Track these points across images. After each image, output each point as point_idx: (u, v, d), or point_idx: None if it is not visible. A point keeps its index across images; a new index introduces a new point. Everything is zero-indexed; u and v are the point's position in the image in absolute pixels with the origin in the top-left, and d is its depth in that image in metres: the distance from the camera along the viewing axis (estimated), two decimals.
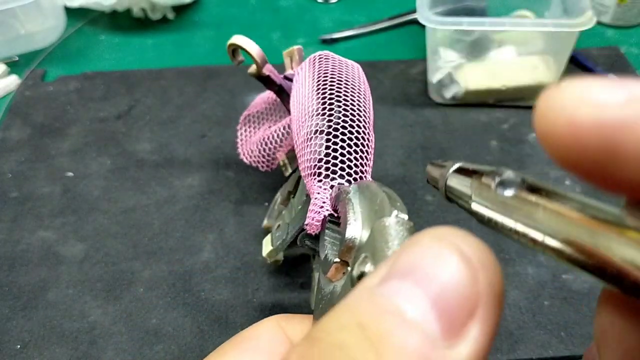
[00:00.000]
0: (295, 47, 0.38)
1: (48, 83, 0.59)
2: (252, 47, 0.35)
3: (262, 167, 0.40)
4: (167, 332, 0.37)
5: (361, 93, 0.31)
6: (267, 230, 0.39)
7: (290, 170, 0.39)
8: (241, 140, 0.42)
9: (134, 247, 0.42)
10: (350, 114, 0.29)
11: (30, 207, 0.46)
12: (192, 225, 0.44)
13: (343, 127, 0.28)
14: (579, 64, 0.57)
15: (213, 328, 0.37)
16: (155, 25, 0.67)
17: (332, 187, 0.27)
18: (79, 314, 0.38)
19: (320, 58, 0.33)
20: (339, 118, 0.28)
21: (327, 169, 0.27)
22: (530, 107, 0.53)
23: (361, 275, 0.18)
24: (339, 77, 0.31)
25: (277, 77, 0.37)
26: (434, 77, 0.53)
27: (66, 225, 0.44)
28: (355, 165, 0.28)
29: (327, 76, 0.31)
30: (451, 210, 0.43)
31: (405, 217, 0.20)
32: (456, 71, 0.52)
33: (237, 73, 0.58)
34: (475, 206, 0.17)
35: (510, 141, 0.50)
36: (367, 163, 0.28)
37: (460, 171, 0.19)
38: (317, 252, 0.30)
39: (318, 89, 0.30)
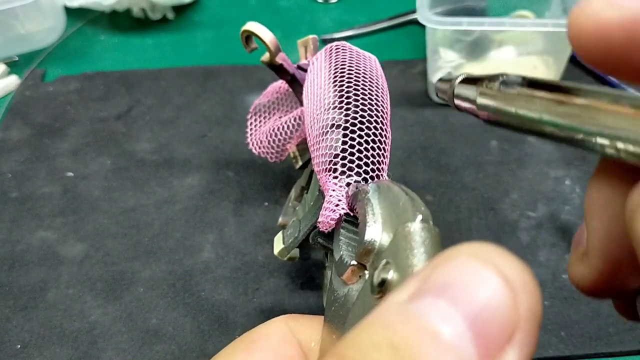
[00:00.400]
0: (311, 36, 0.37)
1: (48, 83, 0.59)
2: (266, 35, 0.34)
3: (271, 157, 0.39)
4: (167, 332, 0.37)
5: (379, 87, 0.30)
6: (282, 228, 0.38)
7: (300, 163, 0.38)
8: (251, 129, 0.40)
9: (134, 247, 0.42)
10: (368, 108, 0.28)
11: (30, 207, 0.46)
12: (192, 225, 0.44)
13: (361, 122, 0.27)
14: (579, 64, 0.57)
15: (213, 328, 0.37)
16: (155, 25, 0.67)
17: (348, 184, 0.26)
18: (79, 314, 0.38)
19: (337, 49, 0.32)
20: (357, 112, 0.27)
21: (343, 165, 0.26)
22: None
23: (382, 283, 0.18)
24: (356, 69, 0.30)
25: (291, 67, 0.36)
26: (434, 77, 0.53)
27: (66, 225, 0.44)
28: (372, 162, 0.27)
29: (344, 68, 0.30)
30: (451, 210, 0.43)
31: (430, 222, 0.19)
32: (456, 71, 0.52)
33: (237, 73, 0.58)
34: (480, 106, 0.19)
35: (510, 141, 0.50)
36: (384, 160, 0.27)
37: (465, 81, 0.21)
38: (330, 250, 0.30)
39: (335, 81, 0.29)
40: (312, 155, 0.29)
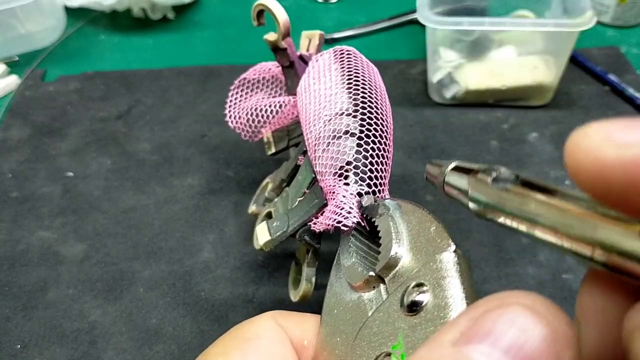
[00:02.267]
0: (318, 31, 0.37)
1: (48, 83, 0.59)
2: (281, 14, 0.34)
3: (245, 135, 0.39)
4: (167, 332, 0.37)
5: (385, 100, 0.30)
6: (254, 217, 0.38)
7: (273, 150, 0.38)
8: (231, 101, 0.40)
9: (134, 247, 0.42)
10: (381, 121, 0.28)
11: (30, 207, 0.46)
12: (192, 225, 0.44)
13: (374, 134, 0.27)
14: (579, 64, 0.57)
15: (213, 328, 0.37)
16: (155, 25, 0.67)
17: (359, 194, 0.26)
18: (79, 314, 0.38)
19: (349, 54, 0.32)
20: (370, 124, 0.28)
21: (355, 173, 0.27)
22: (530, 107, 0.53)
23: (414, 304, 0.19)
24: (369, 79, 0.30)
25: (294, 54, 0.35)
26: (434, 77, 0.53)
27: (66, 225, 0.44)
28: (381, 175, 0.27)
29: (358, 76, 0.30)
30: (451, 210, 0.43)
31: (458, 250, 0.20)
32: (456, 71, 0.52)
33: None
34: (472, 199, 0.18)
35: (510, 141, 0.50)
36: (388, 173, 0.28)
37: (457, 169, 0.21)
38: (313, 248, 0.31)
39: (349, 88, 0.29)
40: (315, 155, 0.29)
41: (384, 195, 0.27)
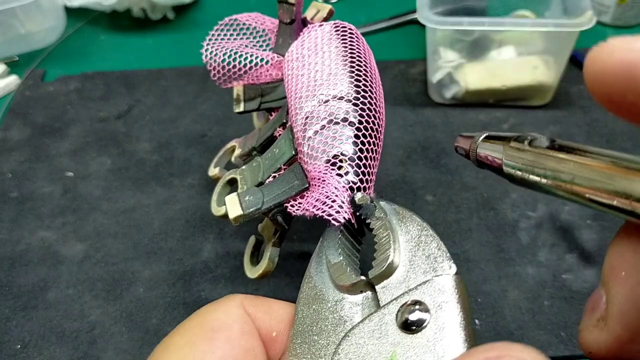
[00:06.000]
0: (328, 5, 0.35)
1: (48, 83, 0.59)
2: None
3: (214, 75, 0.36)
4: (167, 332, 0.37)
5: (381, 88, 0.29)
6: (214, 180, 0.36)
7: (242, 109, 0.36)
8: (213, 35, 0.37)
9: (134, 247, 0.42)
10: (379, 112, 0.27)
11: (30, 207, 0.46)
12: (192, 225, 0.44)
13: (372, 127, 0.27)
14: (579, 64, 0.57)
15: None
16: (155, 25, 0.67)
17: (350, 187, 0.25)
18: (79, 314, 0.38)
19: (351, 33, 0.31)
20: (370, 115, 0.27)
21: (350, 165, 0.26)
22: (530, 107, 0.53)
23: (413, 323, 0.19)
24: (370, 65, 0.29)
25: (299, 13, 0.34)
26: (434, 77, 0.53)
27: (66, 225, 0.44)
28: (372, 172, 0.26)
29: (361, 61, 0.29)
30: (451, 210, 0.43)
31: (459, 273, 0.21)
32: (456, 71, 0.52)
33: None
34: (507, 164, 0.20)
35: None
36: (376, 169, 0.27)
37: (489, 139, 0.22)
38: (283, 228, 0.30)
39: (352, 72, 0.28)
40: (305, 135, 0.27)
41: (371, 192, 0.27)
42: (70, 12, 0.67)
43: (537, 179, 0.18)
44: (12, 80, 0.58)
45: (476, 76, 0.52)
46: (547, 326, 0.37)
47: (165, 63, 0.61)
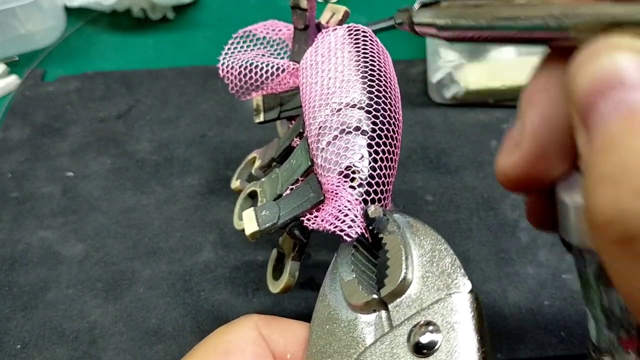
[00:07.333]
0: (344, 7, 0.34)
1: (48, 83, 0.59)
2: None
3: (233, 89, 0.36)
4: (167, 332, 0.37)
5: (398, 94, 0.28)
6: (237, 192, 0.36)
7: (262, 119, 0.36)
8: (229, 49, 0.36)
9: (134, 247, 0.42)
10: (395, 119, 0.26)
11: (30, 207, 0.46)
12: (192, 225, 0.44)
13: (386, 134, 0.25)
14: None
15: (213, 328, 0.37)
16: (155, 25, 0.67)
17: (365, 201, 0.24)
18: (79, 314, 0.38)
19: (364, 36, 0.29)
20: (384, 123, 0.26)
21: (362, 177, 0.25)
22: None
23: (424, 347, 0.18)
24: (385, 70, 0.28)
25: (313, 18, 0.33)
26: (434, 77, 0.53)
27: (66, 225, 0.44)
28: (388, 182, 0.25)
29: (374, 65, 0.28)
30: (451, 210, 0.43)
31: (474, 290, 0.20)
32: (456, 71, 0.52)
33: None
34: (440, 27, 0.21)
35: None
36: (393, 180, 0.26)
37: (423, 6, 0.23)
38: (302, 242, 0.29)
39: (365, 77, 0.27)
40: (318, 146, 0.27)
41: (388, 203, 0.26)
42: (70, 12, 0.67)
43: (465, 22, 0.19)
44: (12, 80, 0.58)
45: (476, 76, 0.52)
46: (547, 326, 0.37)
47: (165, 63, 0.61)
